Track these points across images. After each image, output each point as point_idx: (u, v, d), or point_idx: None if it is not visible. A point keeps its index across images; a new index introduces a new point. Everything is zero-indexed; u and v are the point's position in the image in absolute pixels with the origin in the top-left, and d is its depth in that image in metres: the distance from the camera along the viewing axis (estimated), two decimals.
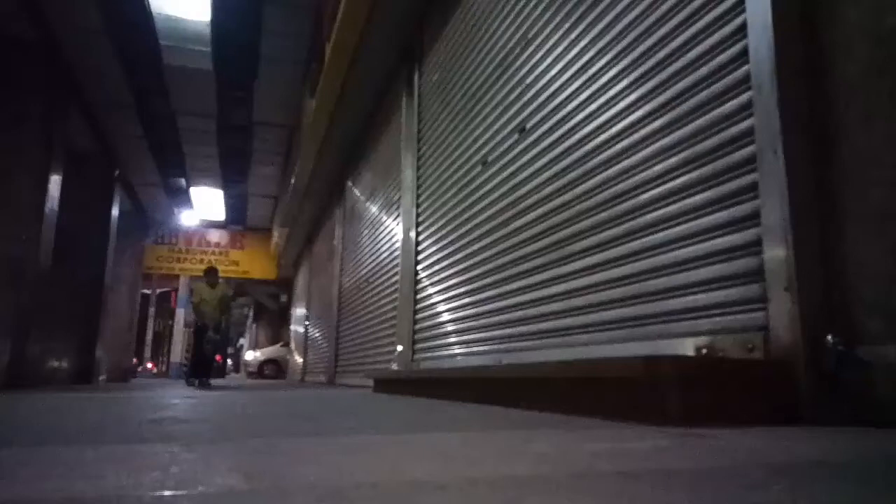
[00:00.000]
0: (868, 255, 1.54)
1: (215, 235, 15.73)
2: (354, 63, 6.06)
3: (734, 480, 0.85)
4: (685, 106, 2.13)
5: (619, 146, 2.49)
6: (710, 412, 1.53)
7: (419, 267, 5.03)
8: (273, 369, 17.42)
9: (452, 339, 4.17)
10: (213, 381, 7.74)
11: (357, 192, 8.13)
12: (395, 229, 5.91)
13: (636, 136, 2.39)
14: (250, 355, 19.14)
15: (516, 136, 3.42)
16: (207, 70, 8.07)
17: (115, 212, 9.97)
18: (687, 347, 1.99)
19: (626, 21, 2.51)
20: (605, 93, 2.62)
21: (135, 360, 17.33)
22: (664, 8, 2.29)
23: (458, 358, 4.00)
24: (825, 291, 1.61)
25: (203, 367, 7.65)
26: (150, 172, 11.35)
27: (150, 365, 25.22)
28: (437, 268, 4.58)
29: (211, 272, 7.96)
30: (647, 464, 0.98)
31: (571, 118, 2.86)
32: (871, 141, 1.56)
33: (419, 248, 5.07)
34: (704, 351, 1.92)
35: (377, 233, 6.70)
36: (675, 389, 1.55)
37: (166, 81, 8.39)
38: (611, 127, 2.56)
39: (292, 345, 15.73)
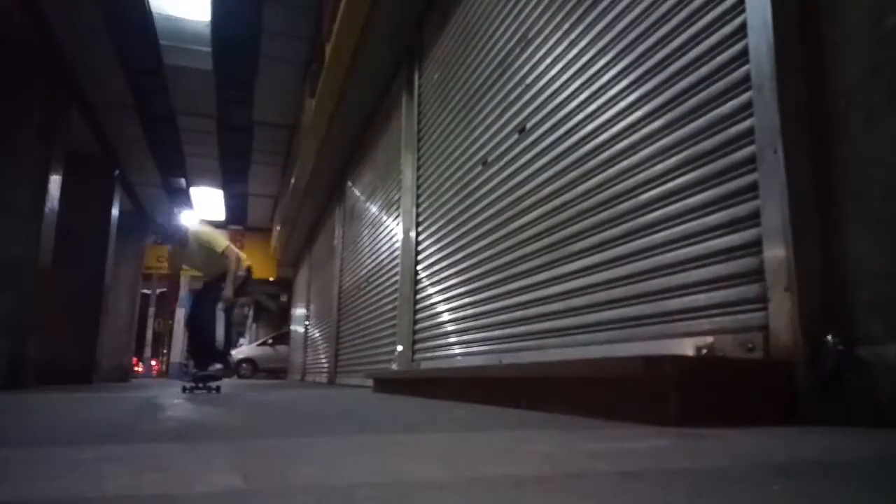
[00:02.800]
0: (868, 256, 1.54)
1: None
2: (354, 63, 6.05)
3: (734, 480, 0.85)
4: (685, 106, 2.13)
5: (619, 146, 2.49)
6: (711, 412, 1.53)
7: (419, 267, 5.03)
8: (249, 369, 17.58)
9: (452, 339, 4.16)
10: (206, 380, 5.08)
11: (357, 192, 8.13)
12: (395, 229, 5.91)
13: (636, 136, 2.39)
14: None
15: (516, 136, 3.41)
16: (207, 70, 8.07)
17: (115, 212, 9.97)
18: (687, 347, 1.99)
19: (626, 21, 2.51)
20: (605, 93, 2.62)
21: (134, 359, 17.36)
22: (664, 8, 2.29)
23: (458, 358, 4.00)
24: (825, 291, 1.61)
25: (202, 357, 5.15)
26: (150, 172, 11.35)
27: (153, 363, 25.23)
28: (437, 268, 4.58)
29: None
30: (647, 464, 0.98)
31: (571, 118, 2.86)
32: (871, 141, 1.56)
33: (419, 248, 5.07)
34: (704, 351, 1.92)
35: (377, 233, 6.69)
36: (675, 389, 1.55)
37: (166, 81, 8.39)
38: (611, 127, 2.56)
39: (290, 344, 15.76)
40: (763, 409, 1.58)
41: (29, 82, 6.57)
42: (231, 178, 12.28)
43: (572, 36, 2.91)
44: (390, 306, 5.84)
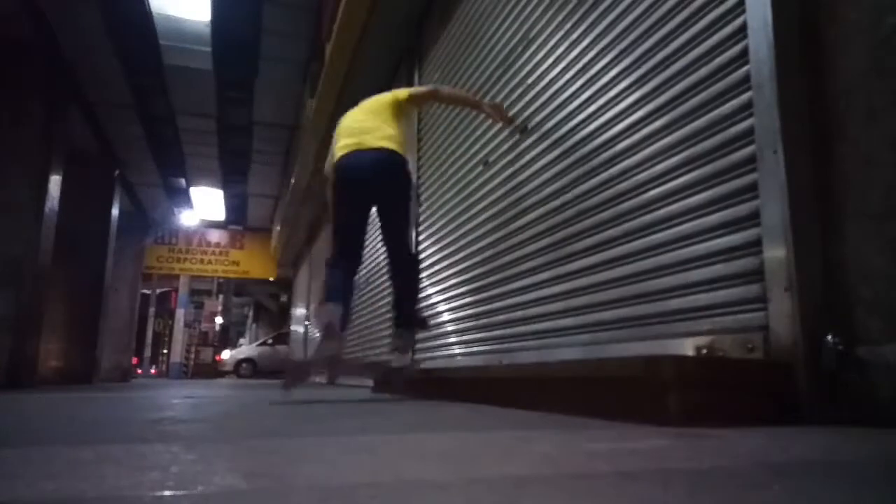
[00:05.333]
0: (868, 255, 1.54)
1: (215, 235, 15.75)
2: (354, 63, 6.05)
3: (734, 480, 0.85)
4: (685, 106, 2.13)
5: (619, 146, 2.49)
6: (711, 412, 1.53)
7: (419, 267, 5.02)
8: (249, 369, 17.62)
9: (452, 339, 4.17)
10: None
11: None
12: None
13: (637, 137, 2.39)
14: (226, 354, 19.40)
15: (517, 136, 3.42)
16: (207, 70, 8.08)
17: (115, 212, 9.97)
18: (687, 347, 1.99)
19: (626, 22, 2.52)
20: (605, 93, 2.62)
21: (134, 359, 17.38)
22: (664, 9, 2.29)
23: (458, 358, 4.00)
24: (825, 291, 1.61)
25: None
26: (150, 172, 11.35)
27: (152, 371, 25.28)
28: (437, 268, 4.58)
29: None
30: (646, 464, 0.98)
31: (572, 118, 2.87)
32: (871, 141, 1.56)
33: (419, 248, 5.07)
34: (704, 351, 1.92)
35: (377, 232, 6.69)
36: (675, 389, 1.55)
37: (166, 81, 8.39)
38: (611, 127, 2.56)
39: (290, 343, 15.76)
40: (763, 409, 1.58)
41: (29, 82, 6.58)
42: (231, 178, 12.28)
43: (573, 36, 2.91)
44: (390, 306, 5.83)
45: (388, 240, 3.51)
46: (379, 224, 3.52)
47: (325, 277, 3.38)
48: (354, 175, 3.32)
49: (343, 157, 3.33)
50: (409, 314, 3.56)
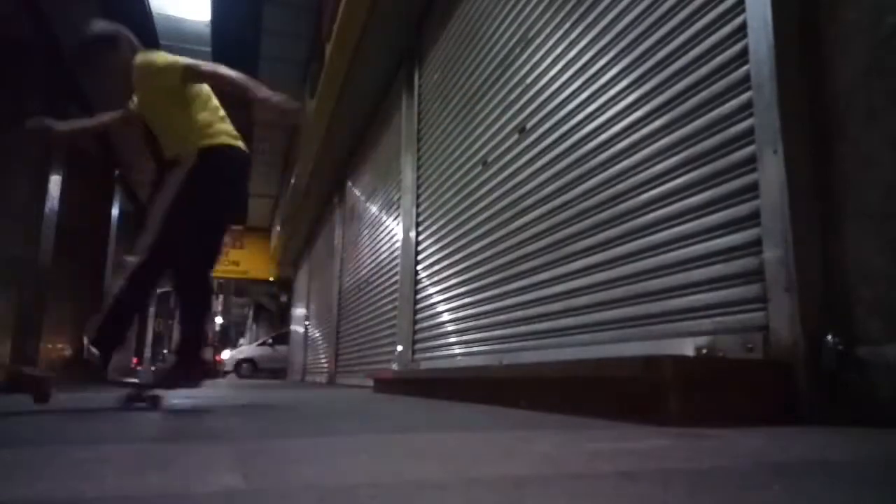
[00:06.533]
0: (868, 255, 1.54)
1: None
2: (354, 63, 6.06)
3: (734, 480, 0.85)
4: (685, 106, 2.13)
5: (619, 146, 2.49)
6: (710, 412, 1.53)
7: (419, 267, 5.03)
8: (249, 368, 17.65)
9: (452, 339, 4.17)
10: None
11: (357, 192, 8.13)
12: (395, 229, 5.91)
13: (636, 136, 2.39)
14: (227, 354, 19.46)
15: (516, 136, 3.42)
16: None
17: (115, 212, 9.97)
18: (687, 347, 1.99)
19: (625, 21, 2.52)
20: (605, 93, 2.62)
21: (134, 360, 17.36)
22: (664, 8, 2.29)
23: (458, 358, 4.00)
24: (825, 291, 1.61)
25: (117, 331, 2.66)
26: (150, 172, 11.34)
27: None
28: (437, 268, 4.58)
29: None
30: (646, 464, 0.98)
31: (571, 118, 2.86)
32: (871, 141, 1.56)
33: (419, 248, 5.07)
34: (704, 351, 1.92)
35: (377, 233, 6.70)
36: (675, 389, 1.55)
37: None
38: (611, 127, 2.56)
39: (290, 344, 15.76)
40: (763, 409, 1.58)
41: (29, 82, 6.58)
42: None
43: (572, 36, 2.91)
44: (390, 306, 5.84)
45: (206, 264, 2.76)
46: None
47: (126, 297, 2.55)
48: (240, 181, 2.76)
49: (234, 148, 2.73)
50: (192, 355, 2.77)
